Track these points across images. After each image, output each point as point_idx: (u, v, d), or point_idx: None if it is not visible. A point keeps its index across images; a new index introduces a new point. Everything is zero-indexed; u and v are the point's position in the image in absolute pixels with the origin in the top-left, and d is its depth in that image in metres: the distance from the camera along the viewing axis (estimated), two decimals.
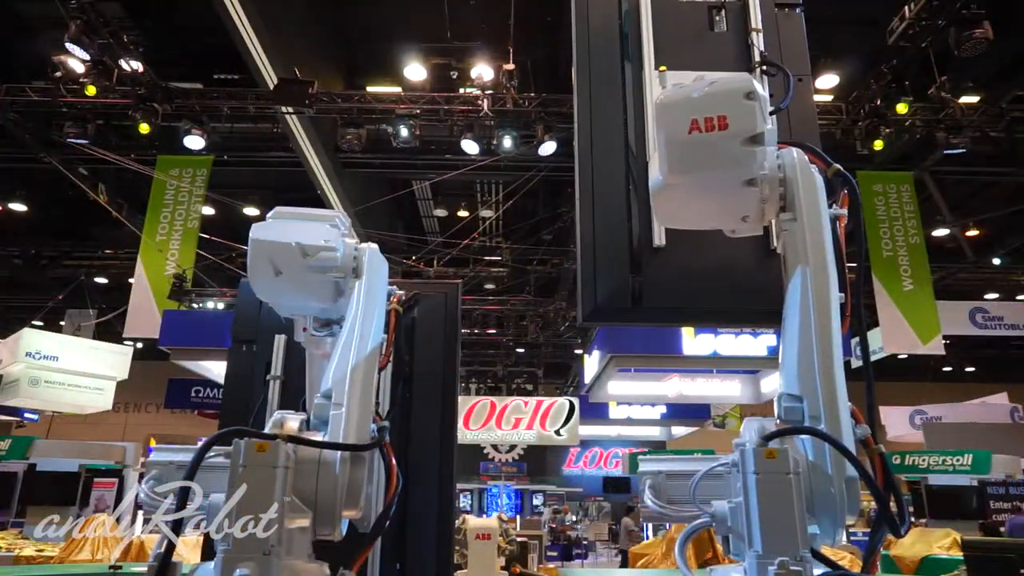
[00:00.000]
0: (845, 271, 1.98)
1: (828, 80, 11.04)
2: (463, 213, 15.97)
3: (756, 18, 2.85)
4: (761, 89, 1.99)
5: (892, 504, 1.75)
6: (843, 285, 1.96)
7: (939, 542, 7.49)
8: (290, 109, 10.63)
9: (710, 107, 1.98)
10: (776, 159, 2.03)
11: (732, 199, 2.03)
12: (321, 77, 10.83)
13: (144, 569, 1.90)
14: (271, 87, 10.14)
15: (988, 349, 22.50)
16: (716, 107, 1.97)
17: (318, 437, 1.82)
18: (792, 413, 1.82)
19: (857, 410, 1.81)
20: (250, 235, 2.07)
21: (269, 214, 2.18)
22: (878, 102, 10.47)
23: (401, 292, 2.36)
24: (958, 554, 6.55)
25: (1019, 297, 17.48)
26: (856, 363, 8.98)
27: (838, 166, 2.11)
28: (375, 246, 2.21)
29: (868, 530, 1.81)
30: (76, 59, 9.84)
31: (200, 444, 1.74)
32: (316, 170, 11.97)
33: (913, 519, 9.15)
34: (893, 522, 1.72)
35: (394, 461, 1.94)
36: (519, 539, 10.13)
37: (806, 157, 2.06)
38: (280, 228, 2.09)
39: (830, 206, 2.04)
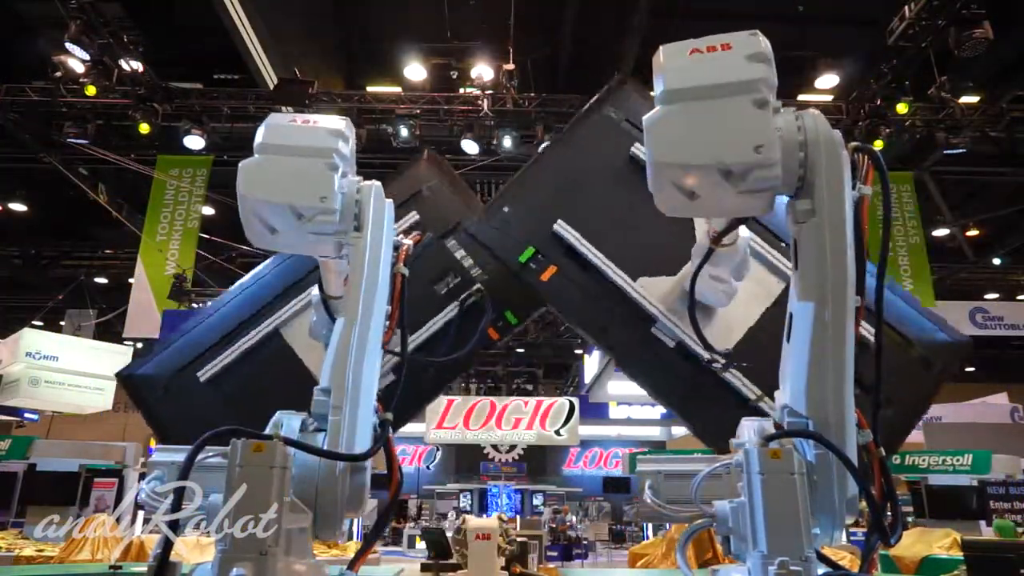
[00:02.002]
0: (864, 269, 1.81)
1: (828, 80, 11.02)
2: None
3: None
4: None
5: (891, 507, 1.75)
6: (860, 287, 1.80)
7: (939, 542, 7.45)
8: (290, 109, 10.62)
9: (714, 40, 1.85)
10: (796, 120, 1.82)
11: (740, 122, 1.76)
12: (321, 77, 10.83)
13: (144, 569, 1.88)
14: (271, 87, 10.14)
15: (988, 349, 22.38)
16: (720, 40, 1.84)
17: (318, 435, 1.80)
18: (796, 427, 1.77)
19: (861, 415, 1.78)
20: (237, 183, 1.90)
21: (259, 131, 1.98)
22: (878, 102, 10.46)
23: (408, 242, 2.15)
24: (958, 554, 6.53)
25: (1019, 297, 17.46)
26: None
27: (857, 142, 1.94)
28: (378, 184, 2.03)
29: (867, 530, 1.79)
30: (76, 59, 9.84)
31: (194, 443, 1.70)
32: None
33: (913, 519, 9.14)
34: (884, 532, 1.70)
35: (396, 457, 1.90)
36: (519, 539, 10.08)
37: (828, 123, 1.85)
38: (271, 173, 1.92)
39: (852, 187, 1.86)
